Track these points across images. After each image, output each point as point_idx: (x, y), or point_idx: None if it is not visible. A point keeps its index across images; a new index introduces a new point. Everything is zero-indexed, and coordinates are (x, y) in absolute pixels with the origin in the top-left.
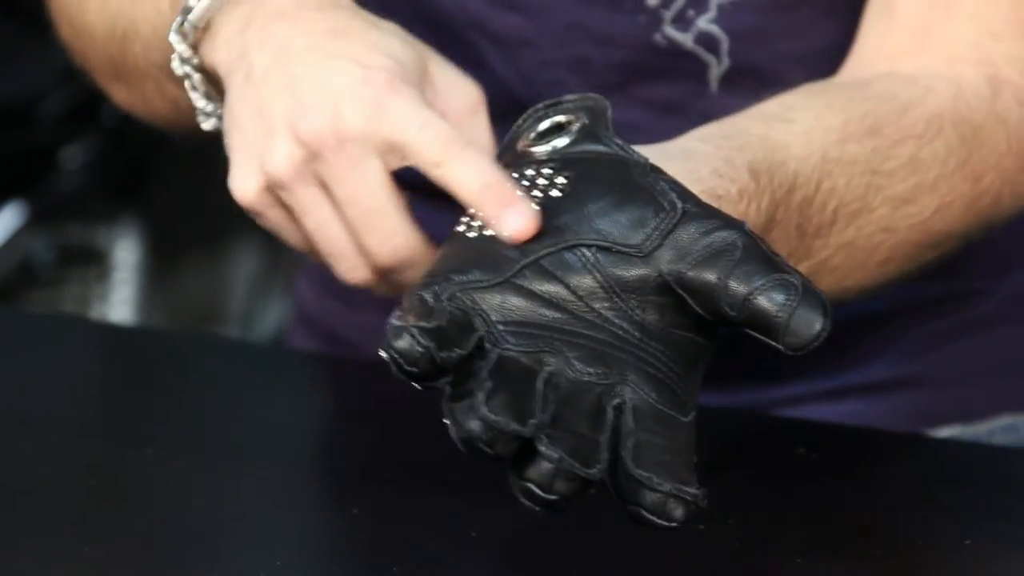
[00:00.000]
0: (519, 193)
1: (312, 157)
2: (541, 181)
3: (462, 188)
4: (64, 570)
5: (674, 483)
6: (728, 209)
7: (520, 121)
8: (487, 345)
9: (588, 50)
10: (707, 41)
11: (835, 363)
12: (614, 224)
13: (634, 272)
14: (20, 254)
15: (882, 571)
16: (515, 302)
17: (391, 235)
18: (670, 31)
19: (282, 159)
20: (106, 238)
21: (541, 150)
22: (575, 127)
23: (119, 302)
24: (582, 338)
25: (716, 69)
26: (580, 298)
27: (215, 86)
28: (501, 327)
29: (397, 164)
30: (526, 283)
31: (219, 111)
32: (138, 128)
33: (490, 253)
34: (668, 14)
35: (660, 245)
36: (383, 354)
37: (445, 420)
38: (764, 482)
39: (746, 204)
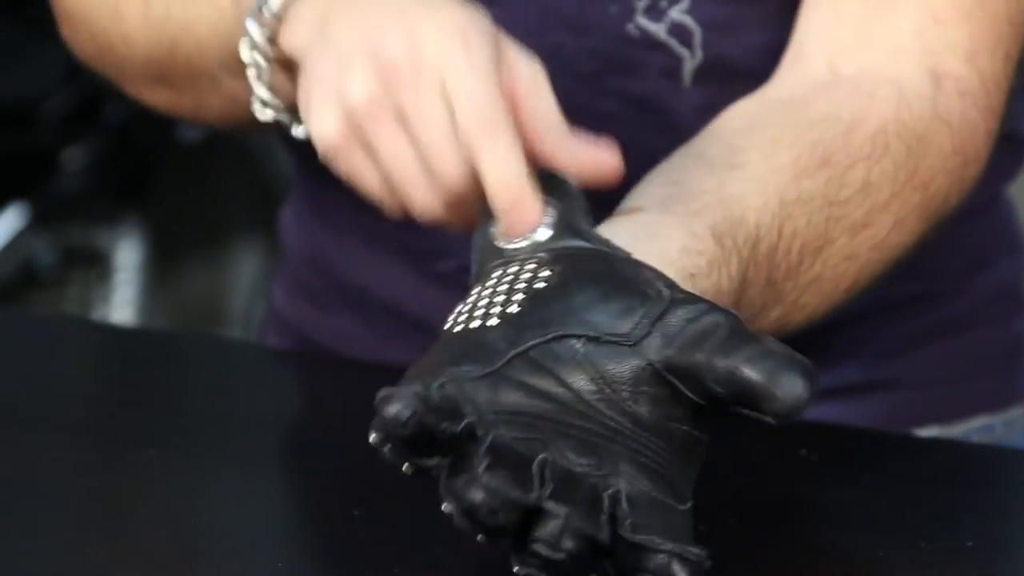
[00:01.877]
0: (532, 201)
1: (388, 82)
2: (525, 276)
3: (486, 176)
4: (65, 571)
5: (676, 543)
6: (702, 283)
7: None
8: (478, 431)
9: (562, 38)
10: (680, 32)
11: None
12: (602, 314)
13: (625, 363)
14: (22, 255)
15: (884, 572)
16: (505, 393)
17: (460, 160)
18: (643, 21)
19: (360, 87)
20: (108, 239)
21: (522, 246)
22: (549, 219)
23: (120, 303)
24: (574, 429)
25: (690, 63)
26: (570, 389)
27: (286, 75)
28: (492, 416)
29: None
30: (515, 374)
31: (278, 102)
32: (140, 130)
33: (479, 345)
34: (641, 4)
35: (649, 333)
36: (373, 437)
37: (443, 502)
38: (766, 483)
39: (717, 274)
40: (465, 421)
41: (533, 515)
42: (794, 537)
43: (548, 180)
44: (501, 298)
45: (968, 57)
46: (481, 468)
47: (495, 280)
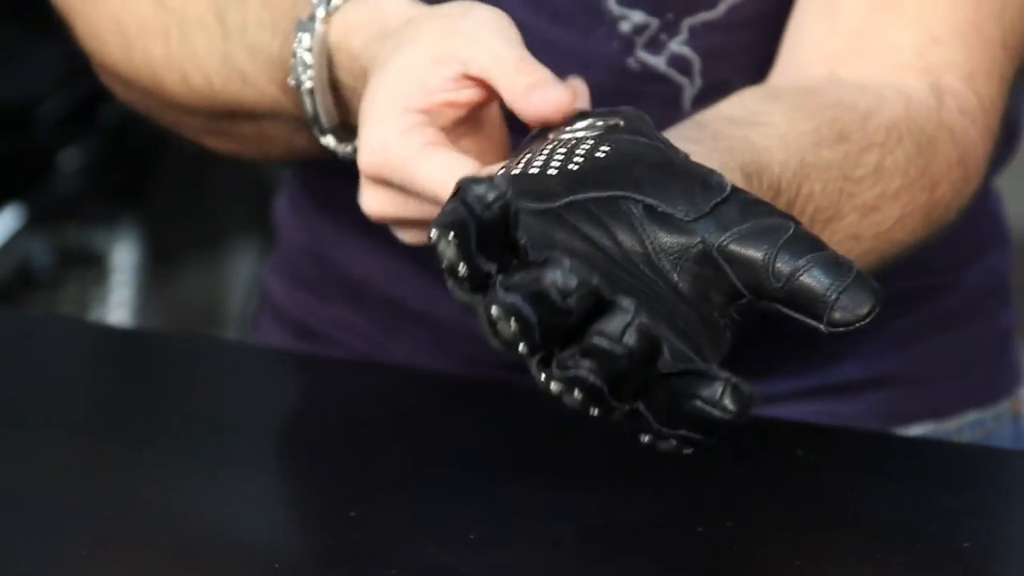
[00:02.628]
0: (542, 72)
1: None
2: (584, 146)
3: (489, 75)
4: (62, 572)
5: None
6: None
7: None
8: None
9: (563, 72)
10: (679, 63)
11: (804, 362)
12: (662, 189)
13: (676, 236)
14: (19, 256)
15: (882, 573)
16: (559, 231)
17: None
18: (643, 55)
19: (365, 203)
20: (104, 240)
21: (578, 125)
22: (611, 121)
23: (117, 304)
24: (621, 281)
25: (690, 90)
26: (620, 246)
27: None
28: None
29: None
30: (571, 218)
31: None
32: (137, 131)
33: (538, 184)
34: (640, 40)
35: (707, 215)
36: (435, 232)
37: (487, 309)
38: (763, 483)
39: None
40: (503, 198)
41: (595, 316)
42: (789, 538)
43: (608, 109)
44: (560, 158)
45: (966, 78)
46: (557, 253)
47: (552, 144)
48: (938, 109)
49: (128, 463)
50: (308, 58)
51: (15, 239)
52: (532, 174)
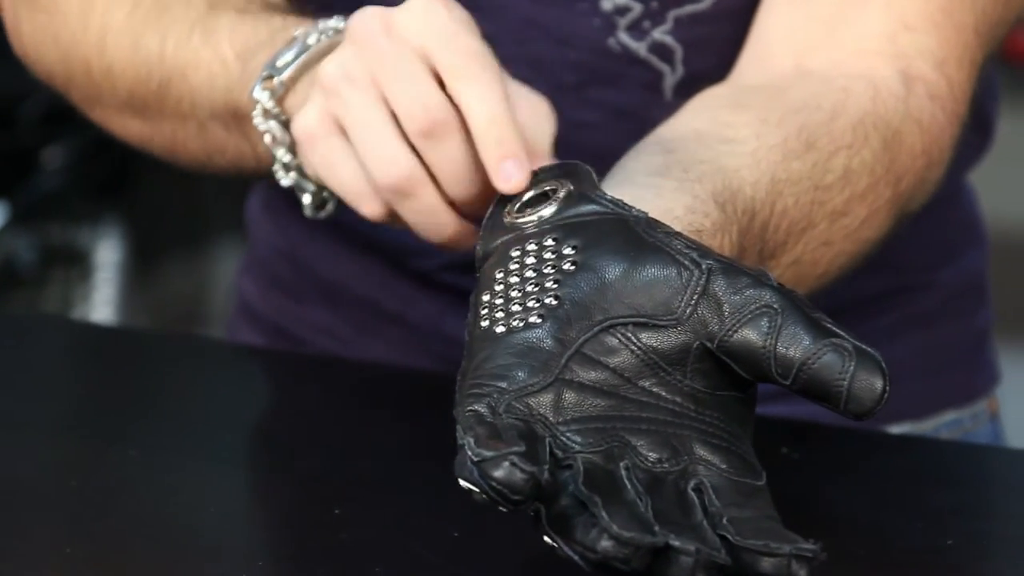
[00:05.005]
0: (518, 143)
1: (361, 52)
2: (548, 255)
3: (470, 112)
4: (46, 570)
5: (791, 544)
6: (708, 241)
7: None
8: (557, 452)
9: (544, 49)
10: (661, 51)
11: None
12: (642, 293)
13: (675, 343)
14: (2, 254)
15: (865, 571)
16: (569, 399)
17: (443, 102)
18: (624, 38)
19: (335, 63)
20: (88, 238)
21: (529, 219)
22: (561, 193)
23: (101, 302)
24: (642, 422)
25: (670, 78)
26: (628, 380)
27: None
28: (563, 428)
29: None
30: (574, 376)
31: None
32: None
33: (530, 351)
34: (623, 21)
35: (694, 310)
36: (467, 486)
37: (549, 541)
38: None
39: (720, 237)
40: (545, 444)
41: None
42: None
43: (553, 168)
44: (533, 287)
45: (937, 64)
46: (604, 515)
47: (517, 264)
48: (906, 98)
49: (111, 461)
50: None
51: None
52: (517, 331)
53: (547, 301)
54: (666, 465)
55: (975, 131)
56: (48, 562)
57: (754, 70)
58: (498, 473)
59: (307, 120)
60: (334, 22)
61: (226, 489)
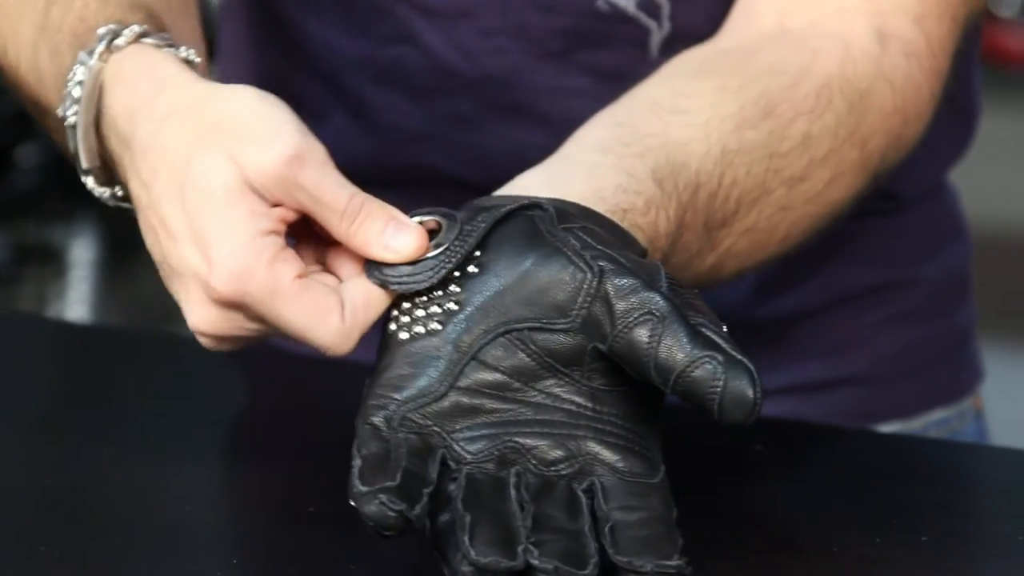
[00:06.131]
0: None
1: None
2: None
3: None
4: (19, 569)
5: (655, 561)
6: (636, 219)
7: None
8: (451, 463)
9: (529, 17)
10: (648, 6)
11: (770, 360)
12: (538, 296)
13: (569, 346)
14: None
15: (839, 567)
16: (464, 407)
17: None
18: None
19: (202, 322)
20: (63, 236)
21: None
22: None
23: (76, 300)
24: (538, 425)
25: (657, 35)
26: (524, 383)
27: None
28: (458, 436)
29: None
30: (471, 384)
31: (96, 167)
32: None
33: (427, 360)
34: None
35: (588, 313)
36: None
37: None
38: (720, 478)
39: (655, 214)
40: (438, 458)
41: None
42: (747, 532)
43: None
44: (437, 291)
45: (915, 19)
46: (466, 539)
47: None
48: (878, 56)
49: (87, 459)
50: (77, 92)
51: None
52: (419, 339)
53: (448, 306)
54: (562, 467)
55: (958, 122)
56: (21, 560)
57: (737, 29)
58: (369, 509)
59: (200, 325)
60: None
61: (200, 487)
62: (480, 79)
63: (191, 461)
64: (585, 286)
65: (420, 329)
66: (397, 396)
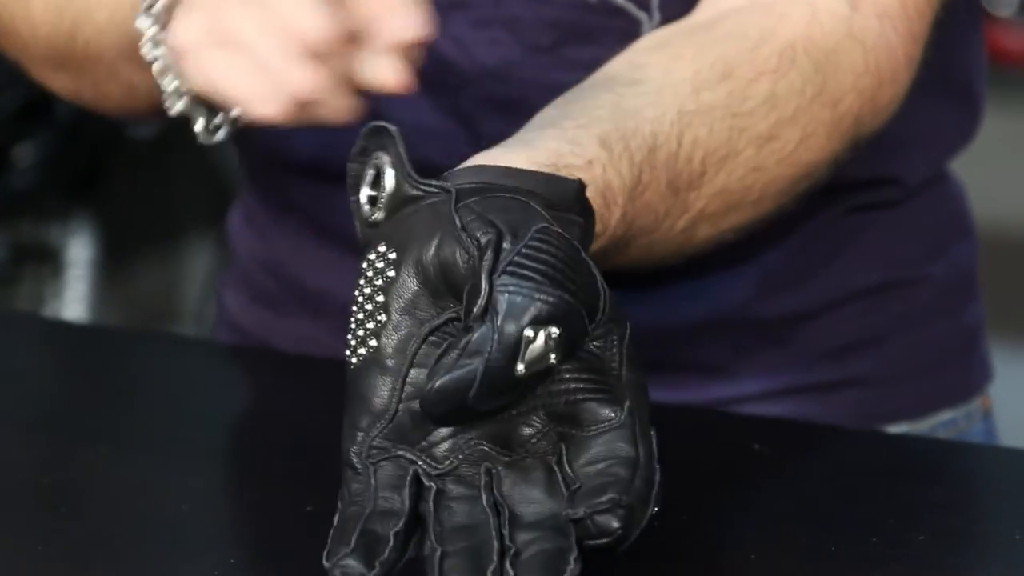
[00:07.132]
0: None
1: None
2: (378, 264)
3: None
4: (16, 568)
5: (611, 495)
6: (576, 174)
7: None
8: (424, 480)
9: (519, 9)
10: None
11: (776, 361)
12: (446, 289)
13: (488, 339)
14: None
15: (836, 566)
16: (418, 416)
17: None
18: None
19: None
20: (60, 235)
21: (384, 197)
22: (392, 164)
23: (73, 300)
24: (492, 412)
25: (648, 26)
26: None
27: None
28: (423, 448)
29: None
30: (414, 391)
31: (188, 90)
32: (91, 125)
33: (375, 379)
34: None
35: (489, 293)
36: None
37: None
38: (719, 478)
39: (601, 170)
40: (409, 478)
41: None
42: (745, 531)
43: (376, 131)
44: (369, 304)
45: None
46: (436, 568)
47: (361, 280)
48: (848, 16)
49: (83, 458)
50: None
51: None
52: (360, 368)
53: (379, 318)
54: (528, 445)
55: (958, 106)
56: (19, 560)
57: (707, 5)
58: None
59: (189, 33)
60: None
61: (198, 486)
62: (476, 73)
63: (189, 460)
64: (473, 264)
65: (363, 351)
66: (361, 427)
